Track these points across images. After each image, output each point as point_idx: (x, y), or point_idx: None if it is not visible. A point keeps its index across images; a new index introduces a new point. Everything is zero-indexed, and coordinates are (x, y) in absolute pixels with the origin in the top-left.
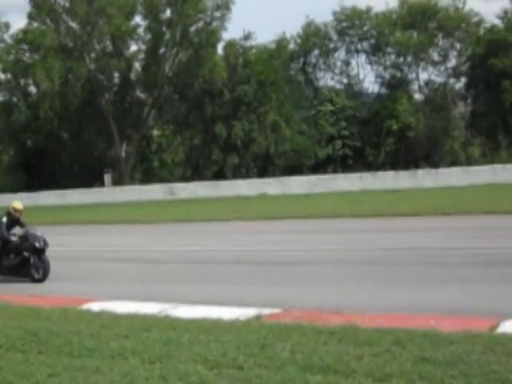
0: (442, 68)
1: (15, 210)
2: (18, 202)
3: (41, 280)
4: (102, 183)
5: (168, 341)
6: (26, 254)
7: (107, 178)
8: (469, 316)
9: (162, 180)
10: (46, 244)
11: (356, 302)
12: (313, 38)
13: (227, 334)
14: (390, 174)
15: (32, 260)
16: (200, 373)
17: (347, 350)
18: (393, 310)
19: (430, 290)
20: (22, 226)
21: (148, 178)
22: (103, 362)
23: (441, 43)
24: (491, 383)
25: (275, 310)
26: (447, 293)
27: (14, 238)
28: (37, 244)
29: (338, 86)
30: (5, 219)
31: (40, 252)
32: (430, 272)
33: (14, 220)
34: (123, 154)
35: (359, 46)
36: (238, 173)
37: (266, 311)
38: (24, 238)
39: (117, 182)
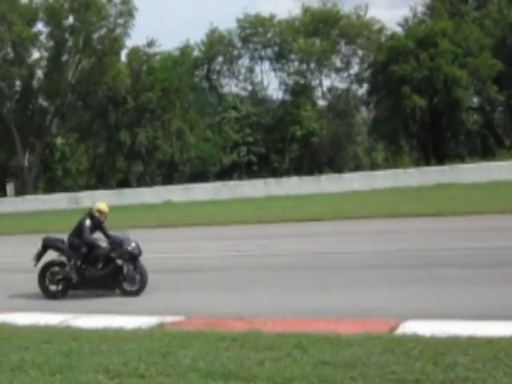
0: (345, 74)
1: (100, 212)
2: (103, 203)
3: (136, 293)
4: (4, 193)
5: (69, 351)
6: (119, 262)
7: (9, 187)
8: (369, 318)
9: (66, 189)
10: (140, 250)
11: (259, 308)
12: (217, 45)
13: (129, 343)
14: (295, 179)
15: (126, 269)
16: (101, 383)
17: (249, 355)
18: (295, 314)
19: (331, 293)
20: (104, 230)
21: (52, 187)
22: (2, 376)
23: (343, 50)
24: (389, 383)
25: (178, 318)
26: (348, 296)
27: (103, 244)
28: (130, 248)
29: (242, 93)
30: (89, 222)
31: (135, 259)
32: (331, 276)
33: (96, 224)
34: (26, 163)
35: (263, 53)
36: (143, 180)
37: (169, 319)
38: (116, 242)
39: (20, 191)
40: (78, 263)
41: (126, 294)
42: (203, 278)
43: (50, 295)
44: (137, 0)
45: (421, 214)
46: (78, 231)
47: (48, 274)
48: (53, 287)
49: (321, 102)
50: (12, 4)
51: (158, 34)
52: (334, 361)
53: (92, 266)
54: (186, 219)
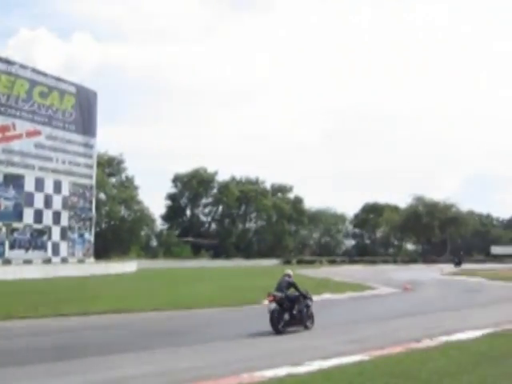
0: None
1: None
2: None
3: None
4: None
5: None
6: (312, 307)
7: None
8: None
9: None
10: None
11: None
12: None
13: None
14: None
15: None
16: None
17: None
18: None
19: None
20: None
21: None
22: None
23: None
24: None
25: None
26: None
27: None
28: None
29: None
30: None
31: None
32: None
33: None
34: None
35: None
36: None
37: None
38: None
39: None
40: (303, 309)
41: (307, 329)
42: None
43: (277, 331)
44: None
45: None
46: (287, 288)
47: (274, 316)
48: (278, 325)
49: None
50: None
51: None
52: None
53: (307, 311)
54: None
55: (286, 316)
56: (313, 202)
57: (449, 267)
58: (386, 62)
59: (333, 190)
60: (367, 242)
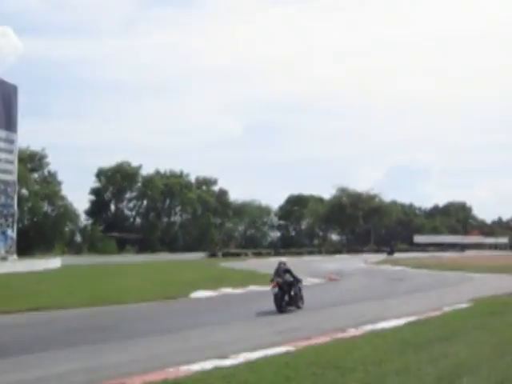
0: None
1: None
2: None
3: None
4: None
5: None
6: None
7: None
8: None
9: None
10: None
11: None
12: None
13: None
14: None
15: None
16: None
17: None
18: None
19: None
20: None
21: None
22: None
23: None
24: None
25: None
26: None
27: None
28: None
29: None
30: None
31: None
32: None
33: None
34: None
35: None
36: None
37: None
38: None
39: None
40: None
41: (299, 308)
42: None
43: (280, 310)
44: None
45: None
46: (284, 274)
47: (278, 298)
48: (281, 305)
49: None
50: None
51: None
52: None
53: (299, 293)
54: None
55: (286, 297)
56: (237, 194)
57: (373, 257)
58: (307, 51)
59: (257, 182)
60: (292, 233)
